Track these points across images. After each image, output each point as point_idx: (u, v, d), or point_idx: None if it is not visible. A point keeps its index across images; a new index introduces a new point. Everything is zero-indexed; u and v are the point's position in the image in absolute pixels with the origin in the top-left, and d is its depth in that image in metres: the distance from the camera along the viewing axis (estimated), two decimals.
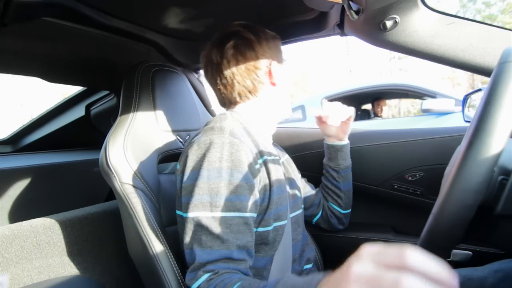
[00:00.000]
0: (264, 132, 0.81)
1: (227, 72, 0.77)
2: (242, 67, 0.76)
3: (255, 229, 0.67)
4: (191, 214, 0.61)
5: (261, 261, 0.69)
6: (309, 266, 0.83)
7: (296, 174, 0.93)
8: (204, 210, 0.61)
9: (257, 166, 0.68)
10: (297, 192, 0.87)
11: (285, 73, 0.82)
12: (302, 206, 0.89)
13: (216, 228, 0.60)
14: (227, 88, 0.78)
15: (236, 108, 0.80)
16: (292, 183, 0.87)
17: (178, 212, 0.70)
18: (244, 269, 0.61)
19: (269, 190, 0.69)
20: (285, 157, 0.93)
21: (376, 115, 3.92)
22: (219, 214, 0.60)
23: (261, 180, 0.68)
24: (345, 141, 0.98)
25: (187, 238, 0.62)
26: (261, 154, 0.70)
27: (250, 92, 0.78)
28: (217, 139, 0.64)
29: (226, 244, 0.59)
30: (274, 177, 0.70)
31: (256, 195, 0.65)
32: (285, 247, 0.73)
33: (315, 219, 1.00)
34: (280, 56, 0.82)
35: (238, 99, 0.79)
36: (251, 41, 0.77)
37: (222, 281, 0.55)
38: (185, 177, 0.65)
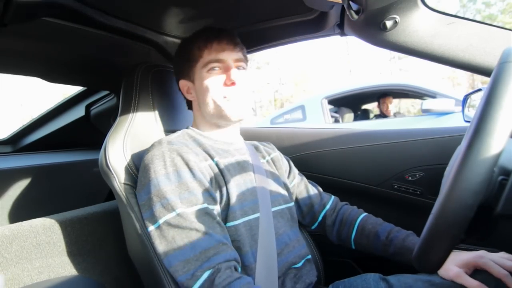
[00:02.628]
0: (222, 137, 0.84)
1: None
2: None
3: (224, 224, 0.70)
4: (160, 221, 0.65)
5: (246, 257, 0.70)
6: (298, 265, 0.80)
7: (282, 172, 0.93)
8: (169, 212, 0.64)
9: (205, 165, 0.72)
10: (280, 188, 0.87)
11: (197, 83, 0.82)
12: (292, 202, 0.89)
13: (186, 222, 0.63)
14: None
15: (196, 125, 0.86)
16: (275, 179, 0.88)
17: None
18: (234, 254, 0.65)
19: (225, 187, 0.73)
20: (272, 155, 0.94)
21: (382, 113, 3.75)
22: (182, 210, 0.64)
23: (213, 178, 0.72)
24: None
25: (162, 246, 0.64)
26: (211, 157, 0.75)
27: (191, 109, 0.89)
28: (156, 151, 0.70)
29: (203, 231, 0.63)
30: (229, 175, 0.74)
31: (209, 189, 0.69)
32: (267, 240, 0.74)
33: (313, 226, 0.97)
34: (186, 68, 0.83)
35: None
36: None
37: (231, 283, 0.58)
38: (141, 195, 0.69)
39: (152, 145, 0.73)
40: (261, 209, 0.76)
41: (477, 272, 0.67)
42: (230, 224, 0.71)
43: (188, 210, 0.65)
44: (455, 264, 0.69)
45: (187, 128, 0.85)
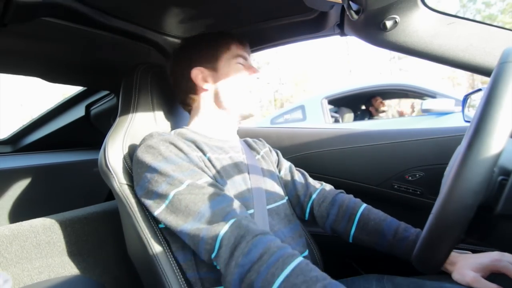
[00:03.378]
0: (217, 135, 0.83)
1: (173, 83, 0.88)
2: (176, 83, 0.87)
3: None
4: (170, 196, 0.63)
5: None
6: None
7: (274, 166, 0.93)
8: (177, 187, 0.63)
9: (198, 155, 0.72)
10: (275, 184, 0.86)
11: (222, 71, 0.82)
12: (286, 198, 0.88)
13: (197, 190, 0.63)
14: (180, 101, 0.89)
15: (190, 123, 0.86)
16: (271, 175, 0.87)
17: (160, 225, 0.71)
18: (247, 213, 0.64)
19: (219, 181, 0.71)
20: (264, 150, 0.94)
21: (371, 115, 3.84)
22: (191, 181, 0.64)
23: (205, 170, 0.70)
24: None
25: (178, 218, 0.62)
26: (203, 151, 0.74)
27: (189, 105, 0.87)
28: (149, 142, 0.69)
29: (215, 195, 0.62)
30: (222, 170, 0.73)
31: (206, 171, 0.69)
32: None
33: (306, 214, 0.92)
34: (209, 55, 0.82)
35: (188, 112, 0.88)
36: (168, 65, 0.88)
37: (254, 240, 0.56)
38: (141, 187, 0.68)
39: (143, 139, 0.72)
40: (256, 206, 0.74)
41: (493, 275, 0.65)
42: None
43: (195, 182, 0.64)
44: (471, 268, 0.66)
45: (179, 128, 0.83)
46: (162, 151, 0.67)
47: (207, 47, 0.83)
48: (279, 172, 0.95)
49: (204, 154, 0.74)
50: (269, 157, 0.94)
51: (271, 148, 0.99)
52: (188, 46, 0.87)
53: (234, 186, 0.74)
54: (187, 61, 0.84)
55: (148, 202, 0.67)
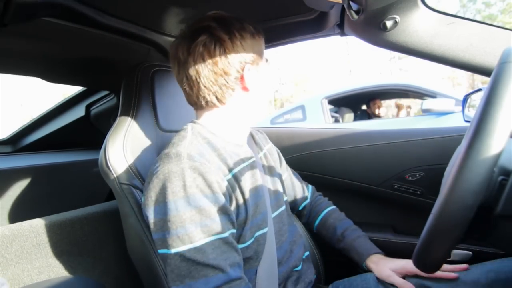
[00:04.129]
0: (235, 138, 0.75)
1: (193, 73, 0.68)
2: (210, 69, 0.67)
3: None
4: (173, 250, 0.58)
5: (246, 274, 0.66)
6: (298, 268, 0.80)
7: (277, 165, 0.92)
8: (184, 244, 0.57)
9: (226, 184, 0.64)
10: (278, 186, 0.84)
11: (263, 76, 0.74)
12: (285, 199, 0.87)
13: (202, 257, 0.57)
14: (193, 90, 0.70)
15: (201, 119, 0.74)
16: (273, 176, 0.84)
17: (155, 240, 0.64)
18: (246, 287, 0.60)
19: (244, 204, 0.67)
20: (267, 147, 0.91)
21: (372, 115, 3.93)
22: (200, 242, 0.58)
23: (232, 197, 0.65)
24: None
25: (174, 276, 0.58)
26: (229, 169, 0.67)
27: (217, 98, 0.70)
28: (175, 167, 0.60)
29: (219, 268, 0.58)
30: (247, 188, 0.68)
31: (230, 213, 0.63)
32: (269, 255, 0.71)
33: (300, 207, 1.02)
34: (258, 56, 0.72)
35: (204, 105, 0.71)
36: (222, 41, 0.67)
37: None
38: (152, 212, 0.61)
39: (167, 156, 0.63)
40: (269, 219, 0.73)
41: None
42: (240, 246, 0.66)
43: (206, 240, 0.58)
44: (389, 268, 0.80)
45: (193, 122, 0.74)
46: (187, 185, 0.59)
47: (256, 44, 0.72)
48: (282, 172, 0.94)
49: (230, 170, 0.67)
50: (272, 155, 0.92)
51: (273, 146, 0.97)
52: (238, 39, 0.70)
53: (254, 202, 0.70)
54: (238, 55, 0.69)
55: (154, 234, 0.62)
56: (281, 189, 0.85)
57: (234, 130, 0.75)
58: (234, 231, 0.64)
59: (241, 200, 0.67)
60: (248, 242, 0.67)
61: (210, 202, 0.60)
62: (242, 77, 0.70)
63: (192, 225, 0.58)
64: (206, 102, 0.71)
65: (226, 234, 0.61)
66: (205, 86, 0.69)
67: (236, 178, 0.67)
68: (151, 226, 0.62)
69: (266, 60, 0.77)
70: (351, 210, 1.02)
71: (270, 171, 0.85)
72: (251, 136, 0.88)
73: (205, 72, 0.68)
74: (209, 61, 0.67)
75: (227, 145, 0.72)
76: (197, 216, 0.58)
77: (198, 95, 0.70)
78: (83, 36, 0.88)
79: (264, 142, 0.91)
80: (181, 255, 0.58)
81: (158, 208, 0.60)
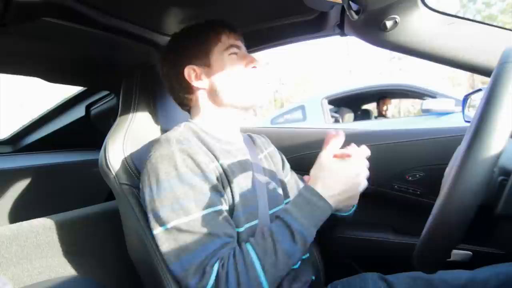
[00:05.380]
0: (226, 136, 0.79)
1: (167, 84, 0.82)
2: (169, 84, 0.82)
3: None
4: (169, 225, 0.61)
5: None
6: (295, 266, 0.78)
7: (279, 168, 0.91)
8: (179, 218, 0.61)
9: (213, 167, 0.69)
10: (276, 186, 0.84)
11: (217, 68, 0.76)
12: (285, 200, 0.87)
13: (199, 228, 0.61)
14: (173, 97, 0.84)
15: (194, 119, 0.81)
16: (273, 177, 0.85)
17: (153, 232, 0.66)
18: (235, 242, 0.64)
19: (230, 189, 0.70)
20: (268, 150, 0.91)
21: (381, 114, 3.92)
22: (195, 215, 0.61)
23: (219, 180, 0.69)
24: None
25: (171, 251, 0.60)
26: (216, 158, 0.71)
27: (186, 103, 0.82)
28: (165, 151, 0.65)
29: (214, 235, 0.61)
30: (234, 179, 0.71)
31: (221, 190, 0.68)
32: None
33: None
34: (199, 52, 0.77)
35: (186, 108, 0.83)
36: (165, 55, 0.81)
37: (237, 261, 0.58)
38: (148, 193, 0.65)
39: (158, 142, 0.68)
40: (260, 214, 0.74)
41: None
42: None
43: (202, 213, 0.62)
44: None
45: (187, 121, 0.79)
46: (178, 165, 0.63)
47: (196, 42, 0.77)
48: (285, 175, 0.94)
49: (217, 159, 0.71)
50: (274, 158, 0.91)
51: (276, 149, 0.97)
52: (176, 44, 0.81)
53: (243, 193, 0.72)
54: (177, 60, 0.78)
55: (149, 215, 0.65)
56: (280, 191, 0.85)
57: (222, 128, 0.80)
58: (227, 208, 0.68)
59: (226, 185, 0.70)
60: (240, 229, 0.69)
61: (201, 179, 0.64)
62: (190, 79, 0.77)
63: (186, 200, 0.62)
64: (185, 105, 0.82)
65: (220, 207, 0.65)
66: (174, 94, 0.82)
67: (223, 167, 0.71)
68: (147, 206, 0.65)
69: (228, 48, 0.77)
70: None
71: (270, 171, 0.85)
72: (251, 138, 0.90)
73: (169, 84, 0.82)
74: (165, 78, 0.82)
75: (218, 142, 0.76)
76: (191, 192, 0.63)
77: (177, 100, 0.83)
78: (83, 36, 0.88)
79: (266, 145, 0.93)
80: (178, 229, 0.61)
81: (152, 191, 0.64)
